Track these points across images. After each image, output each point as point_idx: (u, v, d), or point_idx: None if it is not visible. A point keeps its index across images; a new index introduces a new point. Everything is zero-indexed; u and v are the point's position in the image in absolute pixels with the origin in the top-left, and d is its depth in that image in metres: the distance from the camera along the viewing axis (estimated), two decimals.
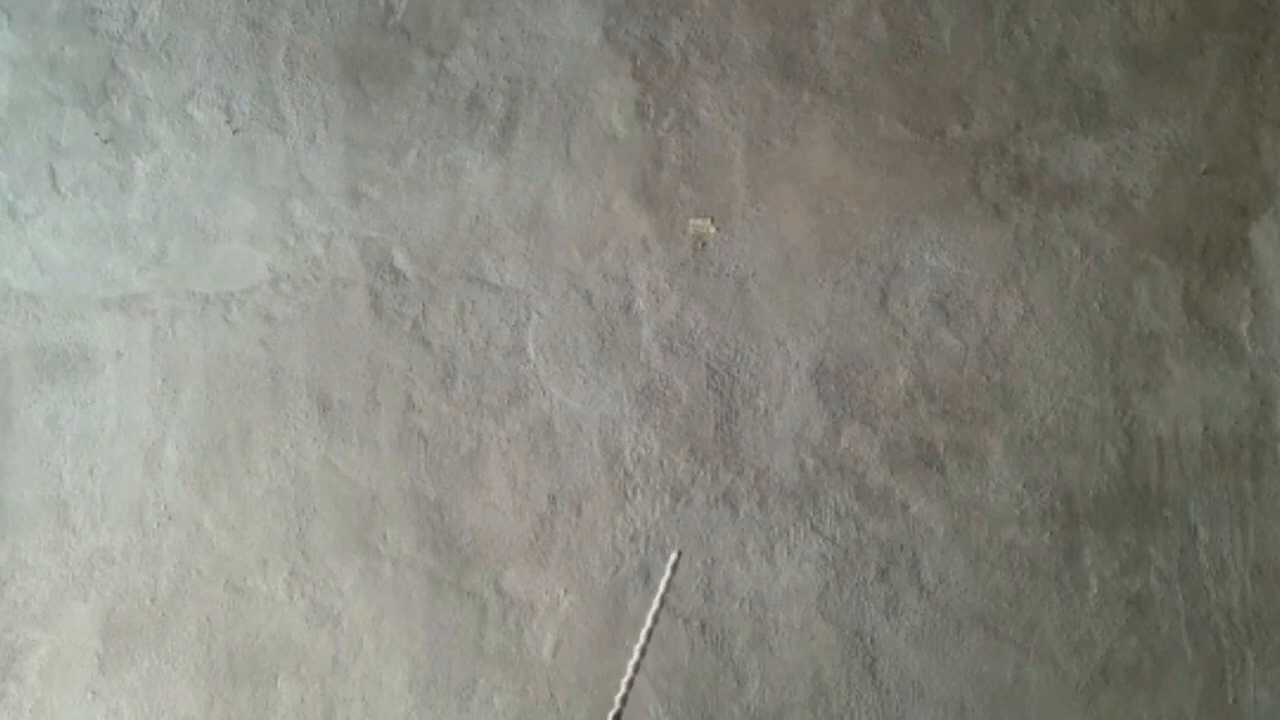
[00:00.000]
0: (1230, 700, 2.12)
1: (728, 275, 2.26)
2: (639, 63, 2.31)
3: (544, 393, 2.25)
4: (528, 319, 2.27)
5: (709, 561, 2.18)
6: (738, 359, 2.23)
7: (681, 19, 2.32)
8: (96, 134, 2.35)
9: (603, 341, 2.25)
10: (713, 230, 2.26)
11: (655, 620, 0.95)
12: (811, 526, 2.18)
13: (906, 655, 2.14)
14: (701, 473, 2.20)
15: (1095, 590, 2.15)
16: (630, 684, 0.94)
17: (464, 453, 2.24)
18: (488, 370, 2.26)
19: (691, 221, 2.26)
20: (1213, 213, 2.22)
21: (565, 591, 2.18)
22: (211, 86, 2.35)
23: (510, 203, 2.29)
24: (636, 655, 0.94)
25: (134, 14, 2.36)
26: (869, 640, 2.15)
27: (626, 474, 2.21)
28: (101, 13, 2.37)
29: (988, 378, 2.21)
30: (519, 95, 2.31)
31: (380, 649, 2.20)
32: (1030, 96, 2.26)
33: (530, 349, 2.26)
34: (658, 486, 2.20)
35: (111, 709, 2.21)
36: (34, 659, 2.23)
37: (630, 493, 2.20)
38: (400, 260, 2.29)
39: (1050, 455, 2.18)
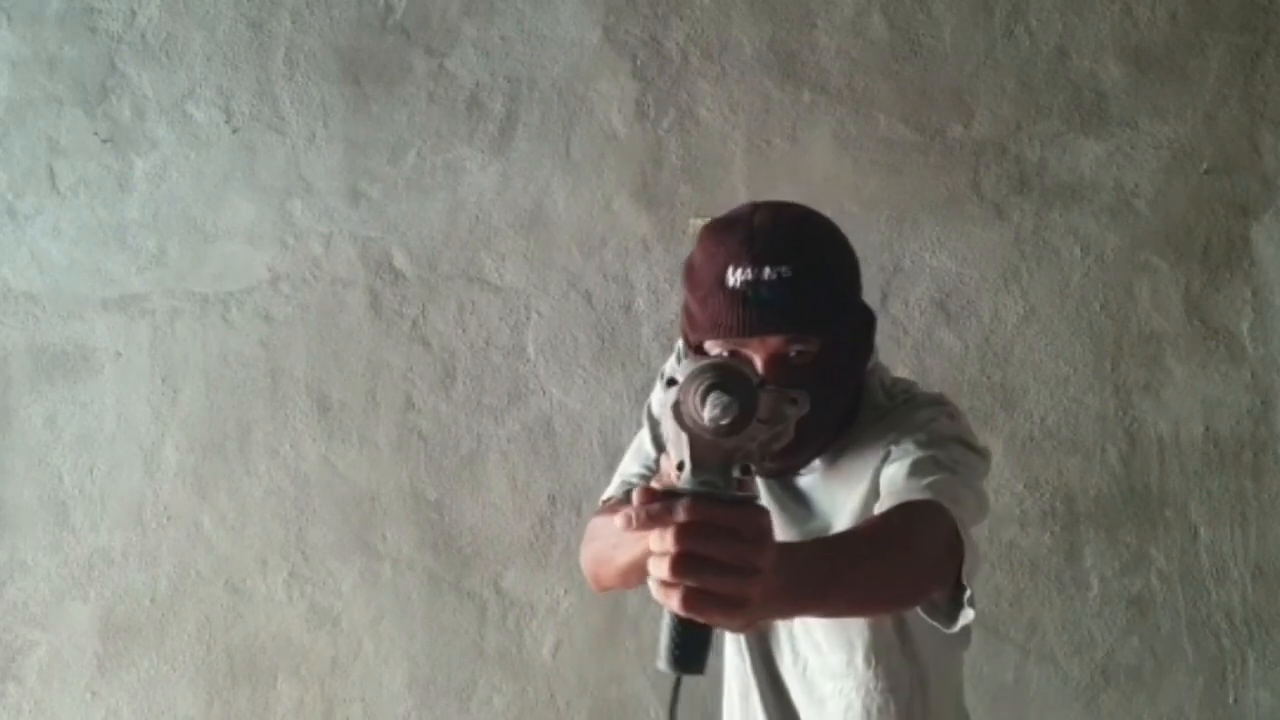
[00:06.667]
0: (1231, 701, 2.11)
1: None
2: (639, 62, 2.31)
3: (544, 393, 2.24)
4: (528, 319, 2.26)
5: None
6: None
7: (681, 18, 2.31)
8: (95, 134, 2.34)
9: (603, 341, 2.25)
10: None
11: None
12: None
13: None
14: None
15: (1096, 590, 2.14)
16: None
17: (464, 453, 2.24)
18: (487, 370, 2.25)
19: (691, 221, 2.26)
20: (1214, 212, 2.21)
21: (565, 591, 2.18)
22: (211, 86, 2.34)
23: (510, 202, 2.29)
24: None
25: (133, 14, 2.36)
26: None
27: None
28: (101, 12, 2.36)
29: (988, 378, 2.20)
30: (519, 95, 2.31)
31: (380, 649, 2.20)
32: (1031, 96, 2.26)
33: (530, 349, 2.26)
34: None
35: (111, 709, 2.21)
36: (33, 659, 2.23)
37: None
38: (400, 260, 2.29)
39: (1051, 455, 2.18)
